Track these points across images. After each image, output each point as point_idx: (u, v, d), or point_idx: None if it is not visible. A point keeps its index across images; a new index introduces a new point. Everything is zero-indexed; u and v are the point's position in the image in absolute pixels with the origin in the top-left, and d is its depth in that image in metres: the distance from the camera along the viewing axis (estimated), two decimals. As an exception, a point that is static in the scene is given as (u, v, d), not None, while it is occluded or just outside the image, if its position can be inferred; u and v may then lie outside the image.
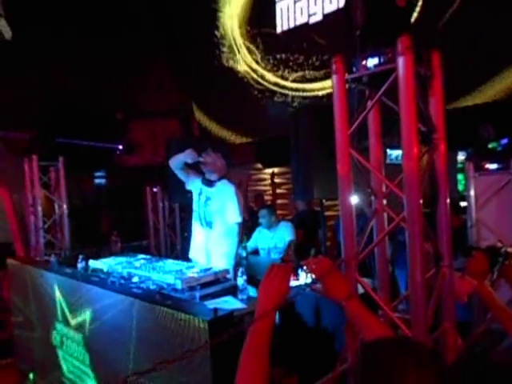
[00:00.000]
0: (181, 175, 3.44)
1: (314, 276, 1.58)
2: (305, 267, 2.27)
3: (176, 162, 3.37)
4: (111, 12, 7.07)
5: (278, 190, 7.71)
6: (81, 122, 6.67)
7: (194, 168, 3.40)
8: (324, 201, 3.98)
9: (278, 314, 2.09)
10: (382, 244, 1.77)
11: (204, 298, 2.56)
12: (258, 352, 1.20)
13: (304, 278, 2.51)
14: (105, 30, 7.05)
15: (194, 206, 3.43)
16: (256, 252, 4.38)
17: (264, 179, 7.95)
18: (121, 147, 7.65)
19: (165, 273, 2.84)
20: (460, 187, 3.75)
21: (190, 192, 3.66)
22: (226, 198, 3.22)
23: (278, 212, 6.34)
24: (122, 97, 8.00)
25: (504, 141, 2.80)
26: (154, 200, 6.17)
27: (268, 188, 7.86)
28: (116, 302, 2.58)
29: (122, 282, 2.83)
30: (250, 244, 4.30)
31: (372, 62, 1.56)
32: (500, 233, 2.67)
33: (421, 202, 1.42)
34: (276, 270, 1.37)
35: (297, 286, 2.48)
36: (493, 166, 2.79)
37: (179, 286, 2.61)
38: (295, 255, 4.34)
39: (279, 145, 5.95)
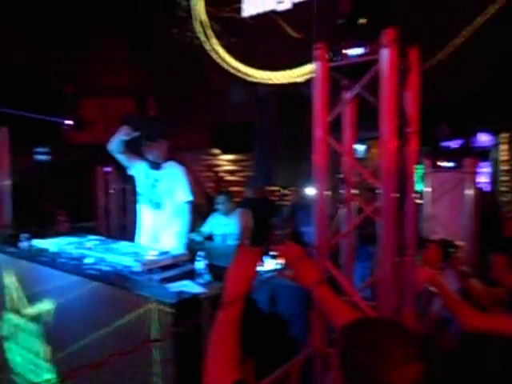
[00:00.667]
0: (122, 160, 3.35)
1: (284, 261, 1.59)
2: (273, 252, 2.27)
3: (114, 145, 3.25)
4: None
5: (233, 178, 7.69)
6: (26, 95, 6.24)
7: (135, 152, 3.34)
8: (281, 190, 4.04)
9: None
10: (350, 233, 1.82)
11: (163, 281, 2.50)
12: (229, 339, 1.18)
13: (270, 264, 2.52)
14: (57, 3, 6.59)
15: (140, 189, 3.37)
16: (209, 238, 4.35)
17: (219, 165, 7.89)
18: (70, 122, 7.22)
19: (121, 254, 2.73)
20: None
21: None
22: (175, 179, 3.23)
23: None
24: (73, 71, 7.57)
25: (458, 141, 2.97)
26: (105, 180, 5.90)
27: (223, 175, 7.81)
28: (70, 284, 2.43)
29: (76, 262, 2.69)
30: (205, 229, 4.27)
31: (355, 51, 1.57)
32: (450, 227, 2.85)
33: (396, 194, 1.47)
34: (244, 255, 1.35)
35: (264, 271, 2.48)
36: (447, 164, 2.95)
37: (138, 268, 2.52)
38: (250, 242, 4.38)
39: (238, 131, 5.94)
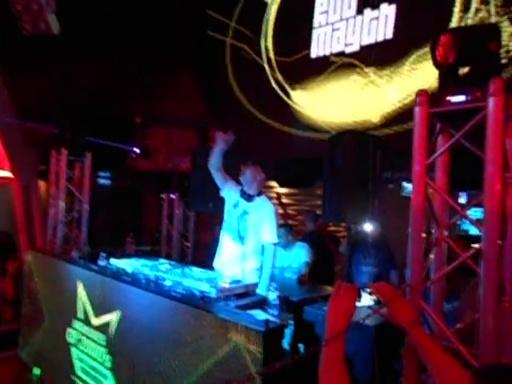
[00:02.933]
0: (218, 179, 3.33)
1: (381, 299, 1.62)
2: (369, 290, 2.30)
3: (214, 159, 3.27)
4: (140, 20, 7.22)
5: (281, 211, 7.75)
6: (102, 123, 6.75)
7: (233, 178, 3.42)
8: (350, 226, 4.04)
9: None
10: (441, 276, 1.82)
11: (238, 308, 2.57)
12: (337, 370, 1.22)
13: (366, 300, 2.52)
14: (133, 37, 7.20)
15: (227, 217, 3.35)
16: None
17: (272, 198, 8.01)
18: (137, 150, 7.68)
19: (197, 280, 2.84)
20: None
21: (214, 201, 3.65)
22: (265, 216, 3.16)
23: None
24: (144, 103, 8.13)
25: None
26: (169, 206, 6.17)
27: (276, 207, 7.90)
28: (153, 303, 2.57)
29: (156, 283, 2.83)
30: None
31: (458, 98, 1.64)
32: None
33: (500, 239, 1.47)
34: (344, 290, 1.40)
35: (361, 307, 2.49)
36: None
37: (213, 294, 2.62)
38: (310, 276, 4.38)
39: (300, 166, 6.06)
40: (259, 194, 3.28)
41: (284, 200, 7.79)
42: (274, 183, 7.70)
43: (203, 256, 5.73)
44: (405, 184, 6.38)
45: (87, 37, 6.39)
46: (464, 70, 1.65)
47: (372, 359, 2.46)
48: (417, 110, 1.71)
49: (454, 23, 4.20)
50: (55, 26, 3.76)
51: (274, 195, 7.81)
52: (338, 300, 1.38)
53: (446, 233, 1.87)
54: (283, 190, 7.67)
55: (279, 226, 4.72)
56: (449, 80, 1.67)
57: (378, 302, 2.37)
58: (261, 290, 2.93)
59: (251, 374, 1.81)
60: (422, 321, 1.78)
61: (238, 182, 3.38)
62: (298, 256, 4.30)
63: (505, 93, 1.51)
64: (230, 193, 3.35)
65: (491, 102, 1.52)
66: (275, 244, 3.17)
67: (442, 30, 1.75)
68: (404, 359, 1.70)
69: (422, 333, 1.47)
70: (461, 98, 1.63)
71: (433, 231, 1.90)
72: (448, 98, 1.65)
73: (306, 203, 7.06)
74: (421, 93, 1.69)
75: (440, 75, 1.71)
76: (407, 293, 1.71)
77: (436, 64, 1.71)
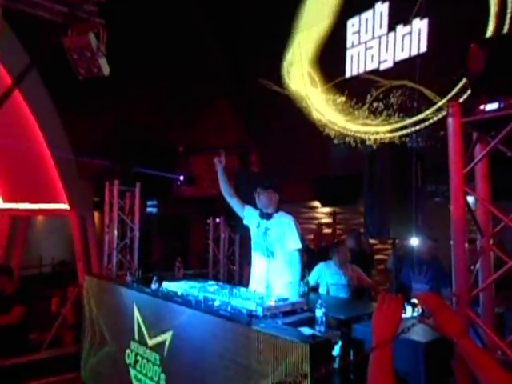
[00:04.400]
0: (235, 206, 3.56)
1: (426, 309, 1.62)
2: (415, 301, 2.29)
3: (222, 186, 3.54)
4: (180, 53, 7.65)
5: (326, 230, 7.71)
6: (149, 154, 7.16)
7: (250, 204, 3.54)
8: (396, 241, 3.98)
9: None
10: (489, 286, 1.79)
11: (285, 326, 2.61)
12: (385, 379, 1.25)
13: (410, 311, 2.51)
14: (174, 72, 7.64)
15: (254, 238, 3.52)
16: (315, 289, 4.36)
17: (316, 218, 8.00)
18: (182, 178, 8.02)
19: (244, 299, 2.92)
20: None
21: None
22: (285, 227, 3.32)
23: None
24: (185, 132, 8.53)
25: None
26: (214, 230, 6.35)
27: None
28: (203, 322, 2.67)
29: (206, 304, 2.94)
30: (312, 280, 4.28)
31: (491, 106, 1.66)
32: None
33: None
34: (389, 302, 1.42)
35: (406, 318, 2.48)
36: None
37: (260, 312, 2.68)
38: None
39: (340, 184, 6.08)
40: (277, 210, 3.43)
41: (327, 220, 7.75)
42: (316, 203, 7.72)
43: (249, 277, 5.82)
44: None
45: (131, 76, 6.87)
46: (495, 79, 1.68)
47: (425, 378, 2.41)
48: (450, 120, 1.74)
49: (490, 32, 4.16)
50: (105, 69, 4.08)
51: (319, 215, 7.81)
52: (382, 311, 1.41)
53: (491, 242, 1.85)
54: (326, 210, 7.65)
55: (333, 244, 4.74)
56: (480, 89, 1.69)
57: (423, 314, 2.33)
58: (292, 296, 3.06)
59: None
60: (473, 333, 1.75)
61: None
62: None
63: (538, 98, 1.51)
64: (250, 216, 3.54)
65: (524, 108, 1.53)
66: (300, 250, 3.29)
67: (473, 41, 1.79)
68: (455, 372, 1.68)
69: (470, 343, 1.46)
70: (493, 105, 1.65)
71: (477, 241, 1.89)
72: (481, 106, 1.67)
73: (350, 222, 6.99)
74: (452, 104, 1.73)
75: (471, 85, 1.74)
76: (454, 303, 1.70)
77: (467, 74, 1.74)
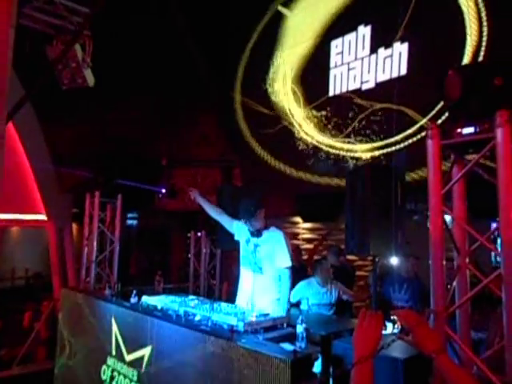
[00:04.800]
0: (224, 222, 3.56)
1: (405, 326, 1.65)
2: (394, 317, 2.31)
3: (208, 210, 3.59)
4: (164, 68, 7.69)
5: (307, 245, 7.76)
6: (132, 166, 7.12)
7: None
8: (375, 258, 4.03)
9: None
10: (466, 303, 1.84)
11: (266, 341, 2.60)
12: None
13: (390, 328, 2.53)
14: (157, 86, 7.66)
15: (243, 253, 3.49)
16: (296, 305, 4.33)
17: (297, 233, 8.05)
18: (164, 191, 7.97)
19: (225, 314, 2.90)
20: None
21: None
22: (275, 244, 3.30)
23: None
24: (168, 145, 8.52)
25: None
26: (195, 244, 6.31)
27: (300, 242, 7.92)
28: (183, 337, 2.64)
29: (187, 318, 2.91)
30: (294, 298, 4.24)
31: (468, 130, 1.73)
32: None
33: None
34: (369, 319, 1.45)
35: (386, 335, 2.50)
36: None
37: (241, 327, 2.67)
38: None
39: (322, 201, 6.15)
40: (267, 227, 3.40)
41: (308, 235, 7.81)
42: (297, 218, 7.77)
43: (230, 292, 5.78)
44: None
45: (116, 87, 6.86)
46: (472, 104, 1.76)
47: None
48: (429, 142, 1.81)
49: (466, 58, 4.35)
50: (90, 80, 4.08)
51: (300, 231, 7.85)
52: (363, 328, 1.43)
53: (467, 260, 1.91)
54: (307, 225, 7.71)
55: (316, 261, 4.72)
56: (457, 113, 1.77)
57: (402, 330, 2.35)
58: (279, 312, 3.05)
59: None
60: (450, 349, 1.79)
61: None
62: (334, 293, 4.26)
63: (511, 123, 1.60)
64: (239, 230, 3.51)
65: (499, 133, 1.61)
66: (290, 268, 3.26)
67: (449, 66, 1.88)
68: (432, 387, 1.71)
69: (447, 360, 1.49)
70: (470, 129, 1.72)
71: (454, 261, 1.95)
72: (458, 130, 1.75)
73: (331, 237, 7.06)
74: (431, 126, 1.80)
75: (449, 109, 1.82)
76: (431, 320, 1.74)
77: (444, 99, 1.82)
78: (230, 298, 3.92)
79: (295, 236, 7.92)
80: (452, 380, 1.49)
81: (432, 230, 1.77)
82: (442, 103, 4.44)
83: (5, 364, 4.87)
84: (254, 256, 3.38)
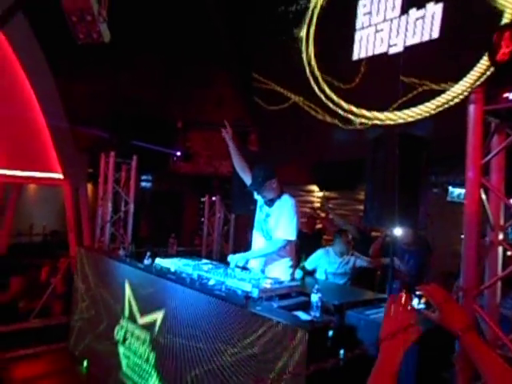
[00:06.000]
0: (246, 180, 3.45)
1: (432, 303, 1.56)
2: (419, 293, 2.23)
3: (235, 161, 3.48)
4: (182, 27, 7.41)
5: (323, 215, 7.67)
6: (147, 127, 7.01)
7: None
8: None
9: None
10: (495, 281, 1.74)
11: (280, 309, 2.56)
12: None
13: (415, 304, 2.46)
14: (175, 45, 7.41)
15: (257, 217, 3.47)
16: (311, 273, 4.28)
17: (311, 202, 7.96)
18: (179, 154, 7.89)
19: (239, 280, 2.86)
20: None
21: (255, 203, 3.70)
22: (282, 214, 3.22)
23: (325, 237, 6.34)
24: (185, 107, 8.35)
25: None
26: (210, 208, 6.27)
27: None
28: (197, 302, 2.62)
29: (200, 282, 2.88)
30: (309, 266, 4.19)
31: (516, 96, 1.57)
32: None
33: None
34: (398, 301, 1.35)
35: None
36: None
37: (256, 294, 2.63)
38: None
39: (340, 169, 6.00)
40: (280, 194, 3.29)
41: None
42: (314, 187, 7.65)
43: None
44: (451, 188, 6.15)
45: (134, 45, 6.65)
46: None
47: (417, 369, 2.39)
48: (471, 108, 1.65)
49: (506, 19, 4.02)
50: (106, 35, 3.90)
51: (315, 199, 7.76)
52: (391, 311, 1.34)
53: (501, 236, 1.79)
54: (322, 194, 7.60)
55: (336, 231, 4.64)
56: (506, 77, 1.60)
57: (428, 306, 2.27)
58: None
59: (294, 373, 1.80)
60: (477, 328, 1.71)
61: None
62: (350, 263, 4.21)
63: None
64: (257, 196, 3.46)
65: (552, 99, 1.45)
66: (286, 241, 3.19)
67: (494, 28, 1.70)
68: (456, 367, 1.64)
69: (476, 338, 1.41)
70: (518, 95, 1.56)
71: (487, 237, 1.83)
72: (504, 94, 1.59)
73: (345, 207, 6.95)
74: (476, 89, 1.64)
75: (496, 72, 1.65)
76: (460, 297, 1.65)
77: (492, 61, 1.65)
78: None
79: (308, 204, 7.84)
80: (480, 359, 1.40)
81: (467, 204, 1.65)
82: (475, 70, 4.17)
83: (23, 316, 5.02)
84: (265, 224, 3.36)
